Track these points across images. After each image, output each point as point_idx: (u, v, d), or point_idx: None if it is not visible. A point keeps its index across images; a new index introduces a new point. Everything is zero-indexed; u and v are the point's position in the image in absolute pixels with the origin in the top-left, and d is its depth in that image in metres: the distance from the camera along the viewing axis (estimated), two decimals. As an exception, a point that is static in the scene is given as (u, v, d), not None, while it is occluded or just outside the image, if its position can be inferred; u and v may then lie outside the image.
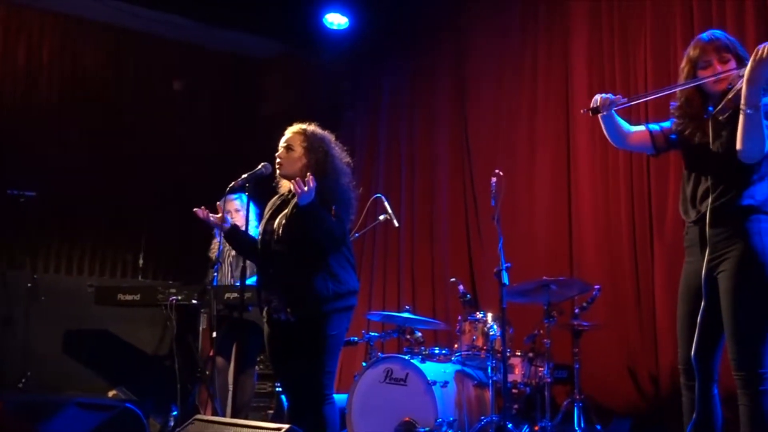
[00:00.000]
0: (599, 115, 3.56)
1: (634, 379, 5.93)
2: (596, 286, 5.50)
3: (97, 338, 7.68)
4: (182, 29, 8.85)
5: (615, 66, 6.39)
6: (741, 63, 3.32)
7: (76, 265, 8.64)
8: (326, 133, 4.37)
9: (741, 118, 3.17)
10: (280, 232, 4.14)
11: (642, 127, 3.67)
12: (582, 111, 3.70)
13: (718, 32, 3.48)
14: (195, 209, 4.40)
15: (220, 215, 4.33)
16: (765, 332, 3.21)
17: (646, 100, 3.57)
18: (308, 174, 4.00)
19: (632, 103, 3.67)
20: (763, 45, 3.11)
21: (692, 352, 3.35)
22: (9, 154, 8.02)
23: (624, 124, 3.66)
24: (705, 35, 3.46)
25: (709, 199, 3.34)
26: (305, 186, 3.90)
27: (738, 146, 3.20)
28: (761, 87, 3.15)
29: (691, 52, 3.46)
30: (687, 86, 3.44)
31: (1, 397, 4.19)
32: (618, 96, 3.55)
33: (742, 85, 3.17)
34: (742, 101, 3.15)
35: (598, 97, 3.55)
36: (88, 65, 8.87)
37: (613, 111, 3.57)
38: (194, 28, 8.82)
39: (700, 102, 3.46)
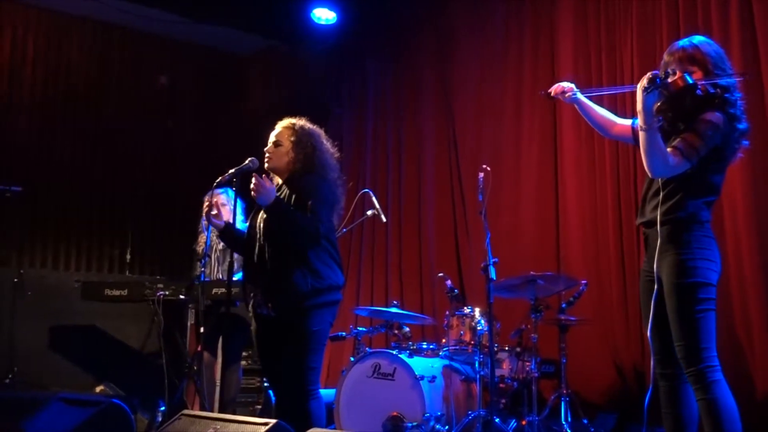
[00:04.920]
0: (561, 99, 3.89)
1: (620, 373, 5.95)
2: (583, 281, 5.53)
3: (84, 334, 7.66)
4: (168, 24, 8.82)
5: (602, 60, 6.39)
6: (708, 75, 3.43)
7: (63, 261, 8.61)
8: (316, 129, 4.38)
9: (640, 136, 3.37)
10: (263, 227, 4.15)
11: (628, 121, 3.81)
12: (540, 93, 4.05)
13: (693, 41, 3.55)
14: (206, 207, 4.33)
15: (215, 212, 4.31)
16: (704, 329, 3.35)
17: (599, 94, 3.93)
18: (253, 175, 4.02)
19: (586, 96, 3.89)
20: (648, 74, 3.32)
21: (648, 331, 3.52)
22: (-5, 148, 8.00)
23: (607, 115, 3.88)
24: (678, 44, 3.57)
25: (657, 203, 3.49)
26: (258, 188, 3.95)
27: (643, 161, 3.41)
28: (650, 110, 3.32)
29: (665, 57, 3.58)
30: (625, 90, 3.72)
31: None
32: (571, 87, 3.86)
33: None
34: (639, 122, 3.35)
35: (556, 84, 3.90)
36: (73, 60, 8.84)
37: (579, 99, 3.85)
38: (183, 24, 8.79)
39: None
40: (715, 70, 3.44)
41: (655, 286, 3.47)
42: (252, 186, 3.99)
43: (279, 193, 4.15)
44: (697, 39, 3.57)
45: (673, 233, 3.44)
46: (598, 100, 4.02)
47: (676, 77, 3.32)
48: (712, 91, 3.36)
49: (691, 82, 3.31)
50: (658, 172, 3.42)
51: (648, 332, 3.53)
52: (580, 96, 3.88)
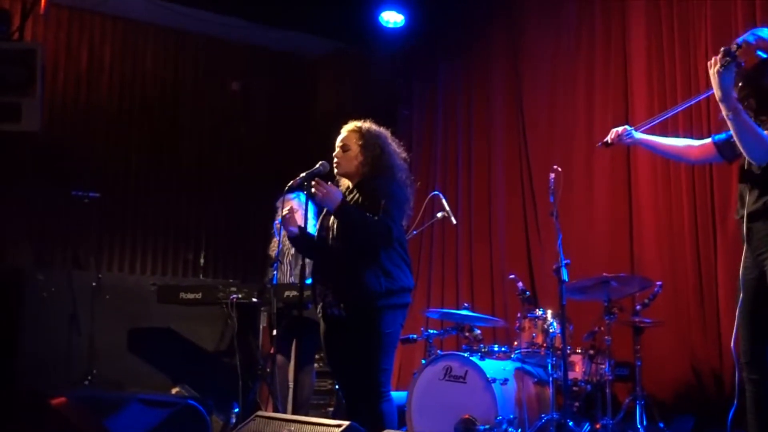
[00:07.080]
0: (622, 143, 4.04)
1: (697, 376, 5.84)
2: (658, 283, 5.43)
3: (160, 336, 7.78)
4: (238, 30, 8.93)
5: (675, 57, 6.27)
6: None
7: (139, 265, 8.78)
8: (382, 130, 4.38)
9: (730, 126, 3.29)
10: (336, 228, 4.16)
11: (708, 140, 3.75)
12: (598, 145, 4.18)
13: (756, 33, 3.47)
14: (287, 217, 4.37)
15: (291, 215, 4.35)
16: None
17: (657, 122, 4.15)
18: (315, 180, 4.06)
19: (640, 132, 3.99)
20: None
21: (733, 339, 3.48)
22: (74, 155, 8.20)
23: (680, 143, 3.91)
24: (736, 42, 3.49)
25: (759, 193, 3.39)
26: (319, 189, 3.97)
27: (742, 151, 3.32)
28: (729, 93, 3.24)
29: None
30: (683, 107, 3.62)
31: (67, 394, 4.28)
32: (624, 128, 4.01)
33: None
34: (723, 111, 3.27)
35: (612, 131, 4.02)
36: (148, 67, 9.00)
37: (639, 138, 3.95)
38: (250, 29, 8.90)
39: None
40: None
41: (741, 295, 3.39)
42: (313, 190, 4.02)
43: (350, 197, 4.18)
44: (752, 32, 3.50)
45: None
46: (673, 121, 3.96)
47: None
48: None
49: (765, 56, 3.27)
50: (762, 157, 3.29)
51: (732, 340, 3.45)
52: (637, 135, 3.93)
